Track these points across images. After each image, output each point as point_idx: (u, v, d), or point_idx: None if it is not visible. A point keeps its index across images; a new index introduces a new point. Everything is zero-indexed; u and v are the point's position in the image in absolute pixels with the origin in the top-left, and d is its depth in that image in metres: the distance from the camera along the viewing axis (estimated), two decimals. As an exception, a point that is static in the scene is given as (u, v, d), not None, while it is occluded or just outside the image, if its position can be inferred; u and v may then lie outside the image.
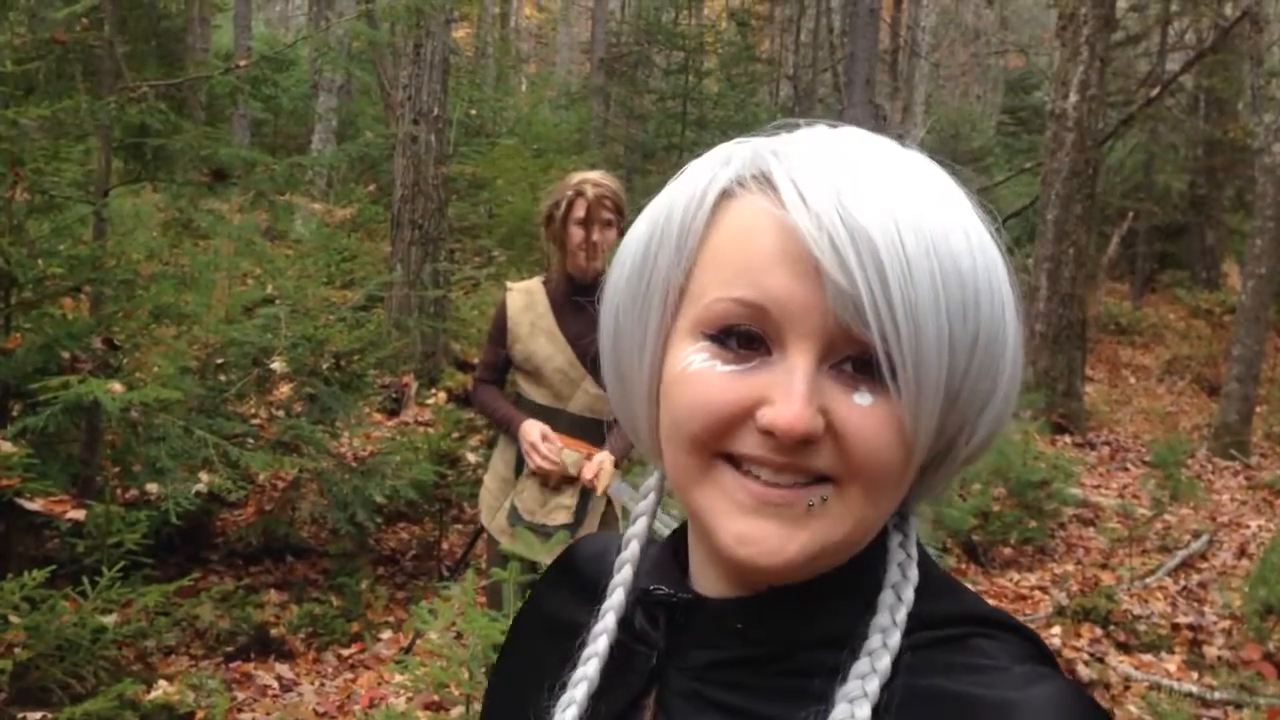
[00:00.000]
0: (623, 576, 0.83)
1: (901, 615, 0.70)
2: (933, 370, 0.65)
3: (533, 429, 3.55)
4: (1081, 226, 11.17)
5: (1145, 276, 19.94)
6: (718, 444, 0.69)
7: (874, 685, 0.67)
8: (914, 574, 0.73)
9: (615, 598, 0.82)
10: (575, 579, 0.91)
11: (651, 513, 0.86)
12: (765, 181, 0.69)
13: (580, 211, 3.47)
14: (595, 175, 3.55)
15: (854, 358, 0.66)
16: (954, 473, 0.75)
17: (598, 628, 0.81)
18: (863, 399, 0.66)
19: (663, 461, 0.75)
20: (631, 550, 0.84)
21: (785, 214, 0.66)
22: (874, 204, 0.65)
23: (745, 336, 0.68)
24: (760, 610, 0.73)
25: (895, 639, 0.69)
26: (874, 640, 0.69)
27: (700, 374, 0.69)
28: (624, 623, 0.81)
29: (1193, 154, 19.44)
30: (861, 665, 0.68)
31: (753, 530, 0.68)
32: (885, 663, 0.68)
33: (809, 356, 0.66)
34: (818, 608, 0.72)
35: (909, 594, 0.72)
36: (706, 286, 0.70)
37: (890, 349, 0.64)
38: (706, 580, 0.77)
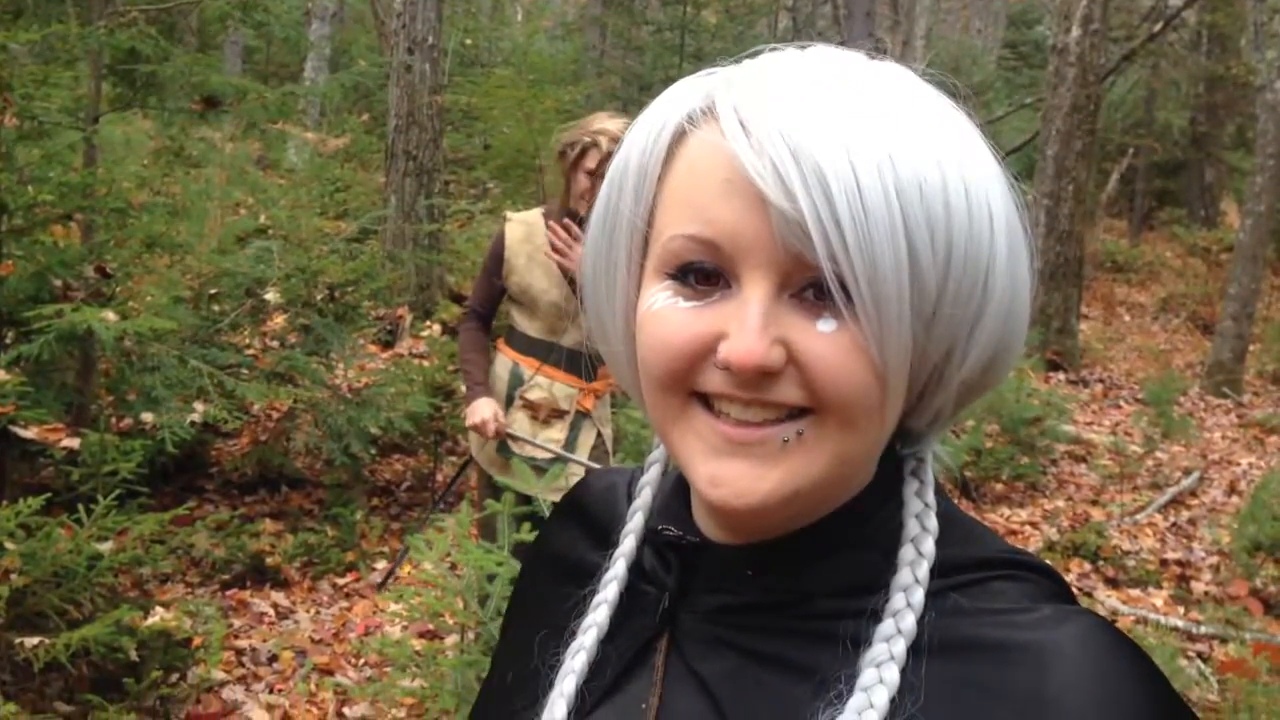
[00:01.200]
0: (635, 523, 0.82)
1: (923, 571, 0.69)
2: (891, 290, 0.63)
3: (484, 408, 3.56)
4: (1081, 163, 11.10)
5: (1143, 214, 19.86)
6: (685, 383, 0.68)
7: (900, 647, 0.66)
8: (933, 524, 0.71)
9: (627, 544, 0.81)
10: (584, 516, 0.90)
11: (665, 459, 0.84)
12: (713, 114, 0.67)
13: (590, 163, 3.43)
14: (615, 128, 3.47)
15: (815, 284, 0.65)
16: (951, 398, 0.72)
17: (609, 574, 0.80)
18: (825, 326, 0.64)
19: (645, 403, 0.74)
20: (644, 498, 0.83)
21: (727, 143, 0.64)
22: (820, 124, 0.63)
23: (703, 272, 0.67)
24: (770, 557, 0.72)
25: (919, 597, 0.68)
26: (897, 600, 0.68)
27: (661, 313, 0.68)
28: (633, 563, 0.81)
29: (1194, 90, 19.27)
30: (886, 627, 0.67)
31: (723, 471, 0.67)
32: (910, 622, 0.67)
33: (763, 287, 0.65)
34: (831, 557, 0.71)
35: (929, 547, 0.70)
36: (664, 226, 0.69)
37: (841, 271, 0.62)
38: (708, 523, 0.76)
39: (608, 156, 3.40)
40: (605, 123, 3.48)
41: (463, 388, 6.17)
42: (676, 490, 0.82)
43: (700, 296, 0.67)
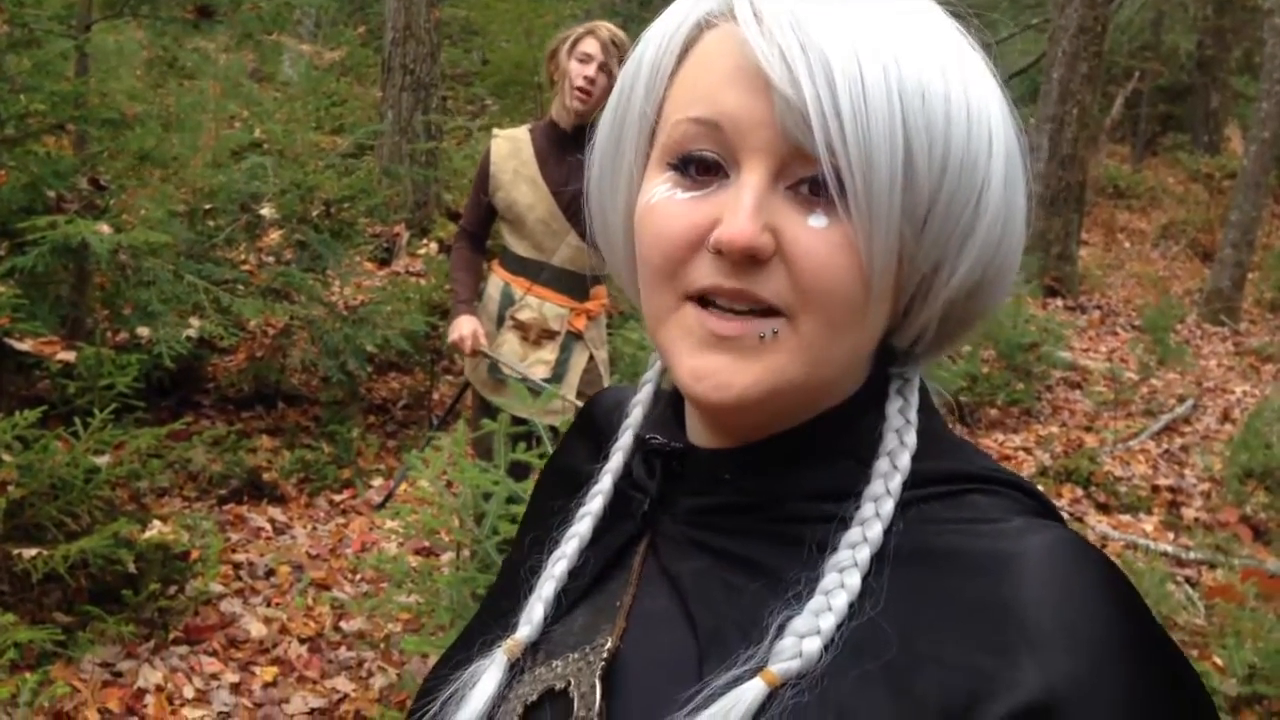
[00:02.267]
0: (625, 440, 0.84)
1: (896, 483, 0.70)
2: (884, 186, 0.64)
3: (464, 325, 3.55)
4: (1087, 86, 10.96)
5: (1146, 139, 19.69)
6: (679, 276, 0.69)
7: (864, 555, 0.67)
8: (911, 440, 0.72)
9: (615, 460, 0.83)
10: (591, 430, 0.93)
11: (656, 380, 0.86)
12: (728, 12, 0.69)
13: (587, 46, 3.41)
14: (613, 25, 3.50)
15: (810, 179, 0.66)
16: (936, 316, 0.73)
17: (595, 488, 0.83)
18: (817, 221, 0.66)
19: (641, 303, 0.76)
20: (635, 416, 0.85)
21: (739, 31, 0.66)
22: (831, 21, 0.64)
23: (703, 163, 0.69)
24: (749, 461, 0.74)
25: (888, 507, 0.69)
26: (866, 509, 0.69)
27: (659, 205, 0.70)
28: (625, 472, 0.83)
29: (1202, 13, 18.98)
30: (853, 534, 0.68)
31: (706, 364, 0.68)
32: (877, 531, 0.68)
33: (759, 173, 0.66)
34: (808, 463, 0.72)
35: (904, 461, 0.71)
36: (670, 115, 0.71)
37: (838, 162, 0.63)
38: (698, 432, 0.78)
39: (605, 43, 3.40)
40: (602, 21, 3.50)
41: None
42: (670, 403, 0.84)
43: (699, 187, 0.69)
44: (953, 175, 0.66)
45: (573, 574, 0.80)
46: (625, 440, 0.84)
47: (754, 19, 0.66)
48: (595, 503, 0.82)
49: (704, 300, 0.68)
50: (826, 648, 0.65)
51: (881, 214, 0.64)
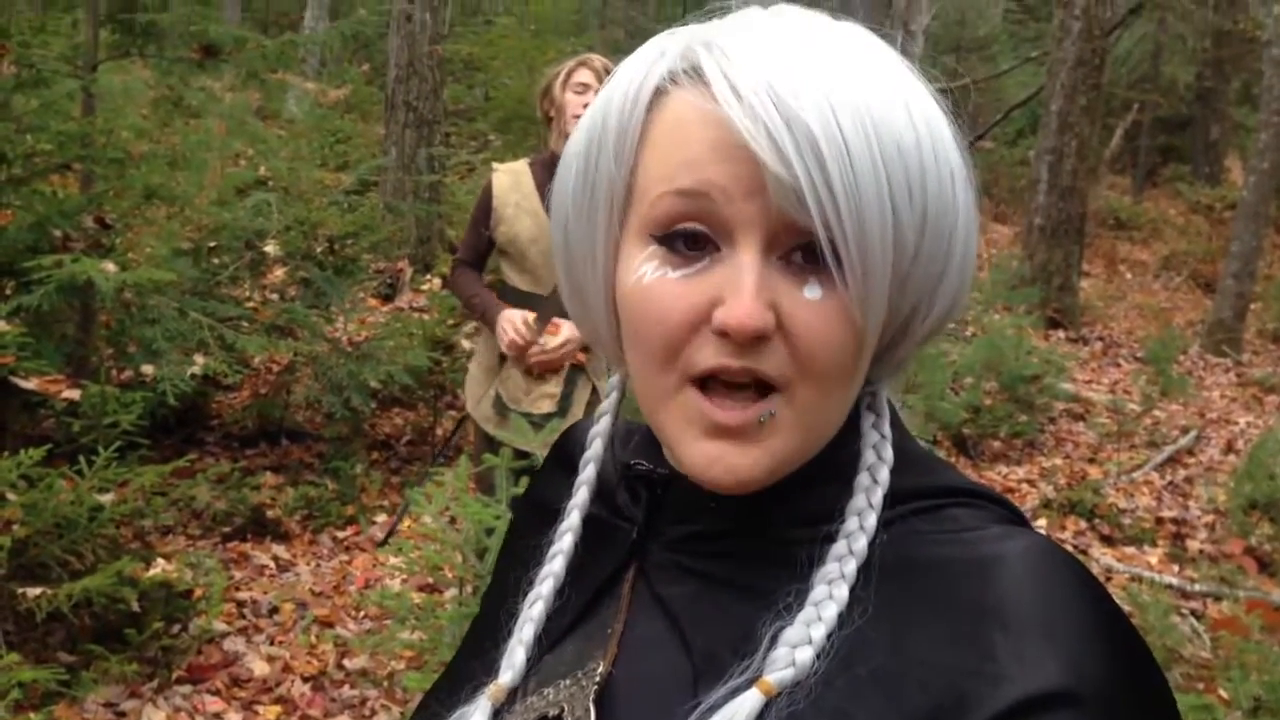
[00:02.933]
0: (587, 474, 0.84)
1: (878, 498, 0.71)
2: (878, 254, 0.65)
3: (515, 313, 3.50)
4: (1085, 118, 11.02)
5: (1147, 171, 19.75)
6: (681, 359, 0.69)
7: (851, 567, 0.69)
8: (889, 454, 0.74)
9: (580, 496, 0.83)
10: (567, 463, 0.93)
11: (614, 411, 0.86)
12: (697, 76, 0.68)
13: (582, 76, 3.44)
14: (603, 57, 3.56)
15: (802, 247, 0.66)
16: (914, 351, 0.76)
17: (563, 526, 0.83)
18: (812, 293, 0.66)
19: (625, 366, 0.76)
20: (595, 449, 0.85)
21: (719, 108, 0.65)
22: (807, 89, 0.64)
23: (692, 237, 0.68)
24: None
25: (871, 521, 0.70)
26: (851, 523, 0.70)
27: (653, 286, 0.69)
28: (608, 500, 0.83)
29: (1200, 45, 19.09)
30: (839, 548, 0.69)
31: (711, 450, 0.69)
32: (862, 544, 0.69)
33: (755, 249, 0.66)
34: (792, 491, 0.74)
35: (884, 475, 0.72)
36: (649, 186, 0.70)
37: (834, 235, 0.64)
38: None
39: (599, 72, 3.44)
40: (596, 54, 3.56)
41: (464, 343, 6.19)
42: (651, 431, 0.84)
43: (689, 263, 0.68)
44: (932, 222, 0.68)
45: (554, 611, 0.81)
46: (588, 474, 0.84)
47: (733, 95, 0.65)
48: (565, 540, 0.82)
49: (704, 381, 0.69)
50: (819, 656, 0.66)
51: (877, 278, 0.66)
